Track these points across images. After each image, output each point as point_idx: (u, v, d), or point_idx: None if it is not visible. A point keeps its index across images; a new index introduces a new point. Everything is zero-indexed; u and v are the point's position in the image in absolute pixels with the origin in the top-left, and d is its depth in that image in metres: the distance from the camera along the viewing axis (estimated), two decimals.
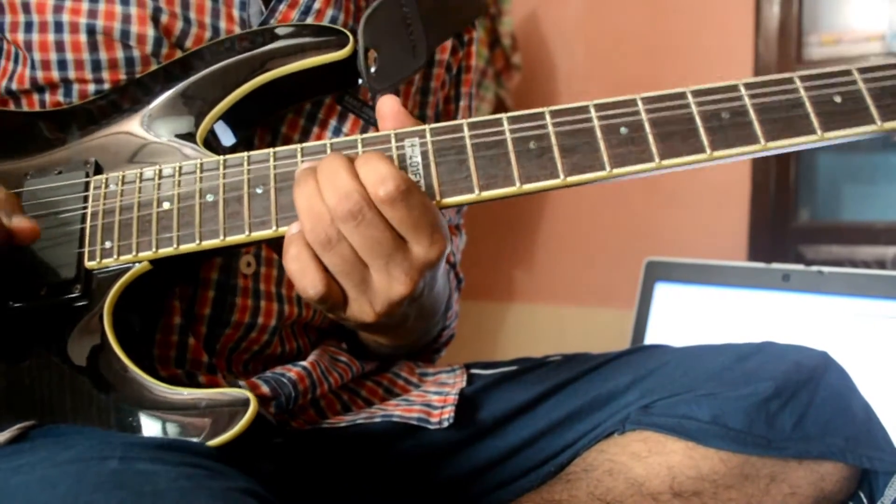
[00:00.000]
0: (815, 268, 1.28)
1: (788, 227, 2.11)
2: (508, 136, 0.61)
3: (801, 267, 1.29)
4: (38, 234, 0.60)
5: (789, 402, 0.69)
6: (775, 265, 1.31)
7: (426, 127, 0.62)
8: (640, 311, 1.43)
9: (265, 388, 0.70)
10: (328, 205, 0.56)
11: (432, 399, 0.76)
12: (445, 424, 0.72)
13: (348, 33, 0.70)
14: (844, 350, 0.88)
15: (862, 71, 0.60)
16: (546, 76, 2.42)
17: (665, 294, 1.42)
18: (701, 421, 0.69)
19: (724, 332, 1.33)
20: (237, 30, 0.71)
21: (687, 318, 1.38)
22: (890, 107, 0.59)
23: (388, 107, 0.62)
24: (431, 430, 0.72)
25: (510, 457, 0.74)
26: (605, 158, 0.59)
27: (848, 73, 0.60)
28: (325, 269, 0.58)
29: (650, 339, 1.41)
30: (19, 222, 0.59)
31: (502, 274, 2.52)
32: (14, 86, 0.70)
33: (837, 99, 0.59)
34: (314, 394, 0.74)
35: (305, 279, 0.58)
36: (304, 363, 0.74)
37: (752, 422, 0.68)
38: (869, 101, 0.59)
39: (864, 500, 0.71)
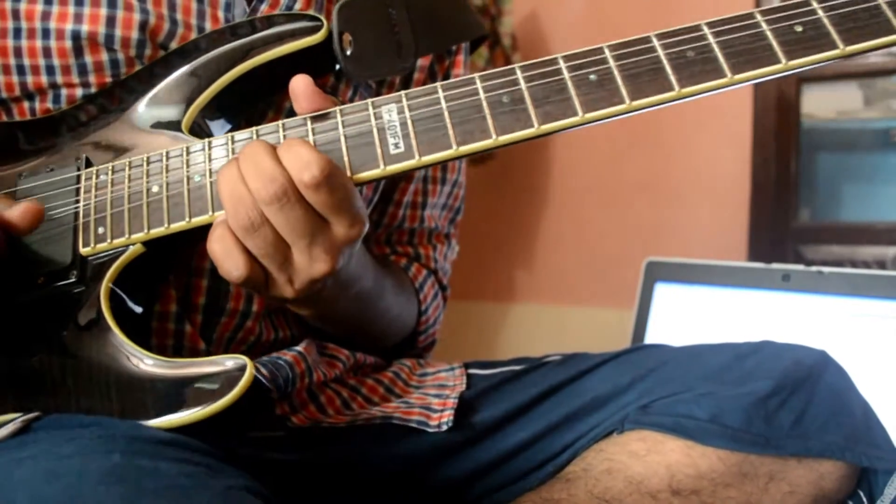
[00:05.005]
0: (815, 268, 1.28)
1: (788, 227, 2.11)
2: (482, 93, 0.62)
3: (801, 267, 1.29)
4: (41, 215, 0.62)
5: (788, 401, 0.69)
6: (775, 265, 1.31)
7: (402, 93, 0.63)
8: (640, 311, 1.43)
9: (263, 371, 0.70)
10: (251, 188, 0.58)
11: (432, 402, 0.76)
12: (444, 428, 0.73)
13: (322, 18, 0.71)
14: (844, 350, 0.88)
15: (821, 0, 0.61)
16: None
17: (665, 294, 1.42)
18: (699, 420, 0.68)
19: (724, 333, 1.33)
20: None
21: (687, 318, 1.38)
22: (851, 31, 0.60)
23: (302, 86, 0.63)
24: (431, 432, 0.73)
25: (510, 458, 0.74)
26: (577, 105, 0.61)
27: (808, 3, 0.61)
28: (248, 252, 0.60)
29: (650, 339, 1.41)
30: (16, 210, 0.61)
31: (502, 274, 2.52)
32: (3, 94, 0.71)
33: (798, 28, 0.61)
34: (311, 379, 0.74)
35: (229, 262, 0.60)
36: (298, 348, 0.75)
37: (751, 420, 0.68)
38: (830, 27, 0.60)
39: (864, 499, 0.71)
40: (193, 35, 0.72)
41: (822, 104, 2.18)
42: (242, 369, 0.59)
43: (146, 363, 0.61)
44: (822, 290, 1.26)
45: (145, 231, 0.64)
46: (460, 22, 0.84)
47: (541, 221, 2.45)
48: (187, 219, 0.63)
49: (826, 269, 1.27)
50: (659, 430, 0.69)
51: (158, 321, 0.71)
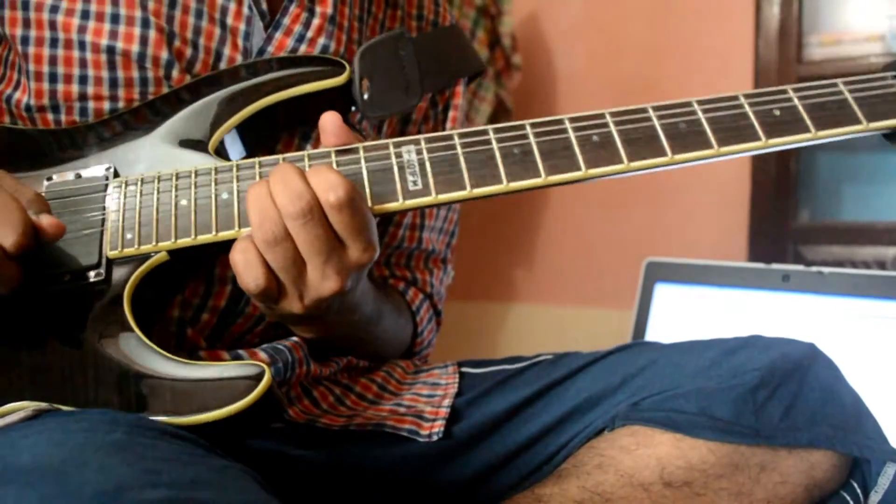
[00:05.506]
0: (815, 268, 1.27)
1: (788, 227, 2.10)
2: (494, 143, 0.68)
3: (801, 267, 1.29)
4: (64, 231, 0.63)
5: (776, 392, 0.69)
6: (775, 265, 1.31)
7: (421, 136, 0.69)
8: (640, 311, 1.43)
9: (263, 355, 0.73)
10: (279, 204, 0.62)
11: (424, 409, 0.77)
12: (435, 438, 0.74)
13: (345, 63, 0.76)
14: (844, 350, 0.87)
15: (796, 90, 0.70)
16: (546, 76, 2.42)
17: (665, 294, 1.41)
18: (688, 413, 0.69)
19: (724, 333, 1.32)
20: (239, 57, 0.76)
21: (687, 318, 1.38)
22: (821, 119, 0.69)
23: (331, 122, 0.68)
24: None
25: (509, 461, 0.75)
26: (581, 161, 0.67)
27: (784, 91, 0.70)
28: (267, 265, 0.63)
29: (649, 339, 1.41)
30: (46, 219, 0.62)
31: (502, 274, 2.52)
32: (33, 102, 0.73)
33: (777, 112, 0.69)
34: (308, 367, 0.76)
35: (249, 272, 0.63)
36: (295, 337, 0.77)
37: (740, 412, 0.68)
38: (804, 113, 0.69)
39: (857, 489, 0.71)
40: (213, 59, 0.75)
41: None
42: (260, 376, 0.61)
43: (165, 364, 0.62)
44: (822, 290, 1.25)
45: (173, 240, 0.66)
46: (461, 59, 0.90)
47: (541, 221, 2.45)
48: (214, 232, 0.66)
49: (826, 270, 1.26)
50: (648, 424, 0.70)
51: (160, 325, 0.73)
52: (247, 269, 0.63)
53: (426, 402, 0.78)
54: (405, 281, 0.93)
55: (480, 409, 0.77)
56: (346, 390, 0.80)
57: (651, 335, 1.40)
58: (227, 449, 0.59)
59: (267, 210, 0.62)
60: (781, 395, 0.69)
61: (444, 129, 0.94)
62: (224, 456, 0.56)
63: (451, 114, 0.93)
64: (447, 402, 0.78)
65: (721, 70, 2.19)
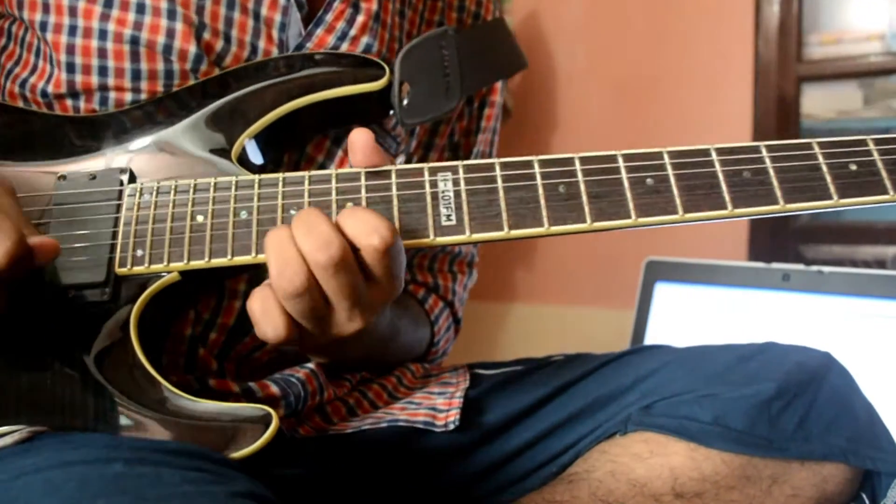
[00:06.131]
0: (815, 268, 1.28)
1: (788, 227, 2.11)
2: (539, 178, 0.62)
3: (801, 267, 1.29)
4: (59, 251, 0.59)
5: (791, 403, 0.69)
6: (775, 265, 1.31)
7: (459, 163, 0.63)
8: (640, 311, 1.44)
9: (275, 388, 0.70)
10: (304, 251, 0.56)
11: (437, 402, 0.76)
12: (451, 427, 0.72)
13: (385, 65, 0.71)
14: (845, 350, 0.87)
15: (877, 142, 0.62)
16: (546, 76, 2.42)
17: (665, 294, 1.42)
18: (702, 422, 0.68)
19: (725, 332, 1.33)
20: (275, 50, 0.72)
21: (687, 318, 1.39)
22: None
23: (360, 140, 0.63)
24: (436, 434, 0.73)
25: (513, 459, 0.74)
26: (631, 207, 0.61)
27: (864, 142, 0.62)
28: (287, 314, 0.58)
29: (650, 339, 1.41)
30: (38, 240, 0.57)
31: (503, 274, 2.51)
32: (50, 89, 0.70)
33: (853, 167, 0.61)
34: (321, 397, 0.74)
35: (268, 324, 0.58)
36: (310, 365, 0.74)
37: (754, 422, 0.68)
38: (883, 171, 0.61)
39: (867, 502, 0.71)
40: (246, 53, 0.71)
41: (821, 104, 2.18)
42: (267, 421, 0.58)
43: (169, 398, 0.59)
44: (822, 289, 1.26)
45: (185, 261, 0.62)
46: (504, 57, 0.85)
47: None
48: (229, 256, 0.62)
49: (826, 269, 1.27)
50: (662, 431, 0.69)
51: (172, 342, 0.70)
52: (266, 320, 0.58)
53: (439, 396, 0.77)
54: (426, 287, 0.90)
55: (494, 405, 0.76)
56: (359, 397, 0.79)
57: (651, 335, 1.40)
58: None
59: (287, 257, 0.56)
60: (796, 407, 0.69)
61: (478, 127, 0.89)
62: (234, 475, 0.53)
63: (486, 111, 0.89)
64: (460, 394, 0.76)
65: (721, 70, 2.19)
